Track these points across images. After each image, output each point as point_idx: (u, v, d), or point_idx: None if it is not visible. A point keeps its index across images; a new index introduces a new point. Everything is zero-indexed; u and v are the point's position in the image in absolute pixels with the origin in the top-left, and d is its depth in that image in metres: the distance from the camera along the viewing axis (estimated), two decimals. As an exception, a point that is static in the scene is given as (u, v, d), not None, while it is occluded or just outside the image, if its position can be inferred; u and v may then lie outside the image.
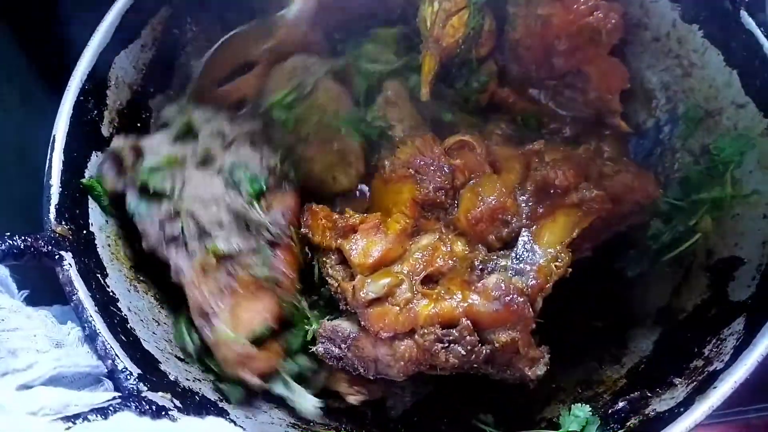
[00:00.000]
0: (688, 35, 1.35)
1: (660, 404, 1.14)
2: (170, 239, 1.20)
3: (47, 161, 1.17)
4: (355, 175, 1.39)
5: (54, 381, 0.97)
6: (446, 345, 1.13)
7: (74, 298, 1.08)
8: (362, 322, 1.17)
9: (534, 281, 1.17)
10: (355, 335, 1.18)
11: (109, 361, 1.04)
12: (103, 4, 1.27)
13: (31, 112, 1.60)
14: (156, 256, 1.22)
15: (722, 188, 1.31)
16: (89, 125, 1.26)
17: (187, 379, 1.18)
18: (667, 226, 1.37)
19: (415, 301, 1.16)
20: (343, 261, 1.26)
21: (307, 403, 1.23)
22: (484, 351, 1.14)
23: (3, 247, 1.04)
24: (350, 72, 1.44)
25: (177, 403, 1.04)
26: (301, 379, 1.26)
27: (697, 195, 1.34)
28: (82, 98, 1.23)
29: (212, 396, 1.19)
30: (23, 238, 1.07)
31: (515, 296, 1.14)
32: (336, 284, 1.24)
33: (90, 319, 1.07)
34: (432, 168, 1.28)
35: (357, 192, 1.40)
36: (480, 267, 1.21)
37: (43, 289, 1.13)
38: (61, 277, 1.09)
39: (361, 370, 1.19)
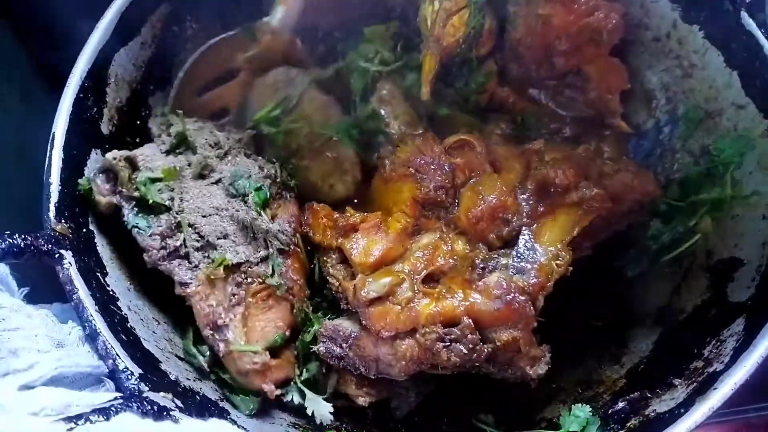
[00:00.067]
0: (688, 36, 1.35)
1: (660, 405, 1.14)
2: (172, 253, 1.19)
3: (47, 159, 1.17)
4: (351, 182, 1.39)
5: (55, 381, 0.96)
6: (448, 344, 1.14)
7: (74, 297, 1.07)
8: (363, 322, 1.17)
9: (535, 280, 1.17)
10: (356, 334, 1.18)
11: (110, 361, 1.04)
12: (103, 1, 1.26)
13: (31, 111, 1.60)
14: (159, 271, 1.20)
15: (722, 189, 1.31)
16: (89, 123, 1.25)
17: (188, 379, 1.17)
18: (666, 226, 1.37)
19: (416, 300, 1.16)
20: (344, 260, 1.26)
21: (323, 409, 1.23)
22: (485, 350, 1.14)
23: (3, 245, 1.04)
24: (343, 76, 1.44)
25: (178, 403, 1.04)
26: (312, 384, 1.26)
27: (697, 196, 1.35)
28: (81, 96, 1.22)
29: (213, 396, 1.19)
30: (23, 236, 1.06)
31: (517, 295, 1.14)
32: (337, 283, 1.24)
33: (90, 318, 1.06)
34: (432, 167, 1.28)
35: (355, 200, 1.40)
36: (481, 266, 1.21)
37: (43, 287, 1.12)
38: (61, 275, 1.09)
39: (362, 370, 1.19)
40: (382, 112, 1.39)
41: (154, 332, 1.22)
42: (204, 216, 1.22)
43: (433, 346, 1.14)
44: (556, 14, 1.32)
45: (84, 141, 1.24)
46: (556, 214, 1.25)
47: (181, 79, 1.37)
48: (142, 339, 1.16)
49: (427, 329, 1.14)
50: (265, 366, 1.19)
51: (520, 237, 1.24)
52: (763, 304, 1.17)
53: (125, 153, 1.23)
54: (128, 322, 1.16)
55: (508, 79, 1.45)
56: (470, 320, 1.13)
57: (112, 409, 0.88)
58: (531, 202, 1.27)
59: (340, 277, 1.24)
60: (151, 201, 1.19)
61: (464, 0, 1.33)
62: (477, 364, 1.16)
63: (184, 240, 1.20)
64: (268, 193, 1.28)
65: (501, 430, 1.28)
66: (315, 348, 1.22)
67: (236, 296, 1.20)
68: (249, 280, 1.21)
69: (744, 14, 1.24)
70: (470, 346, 1.13)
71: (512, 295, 1.14)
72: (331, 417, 1.23)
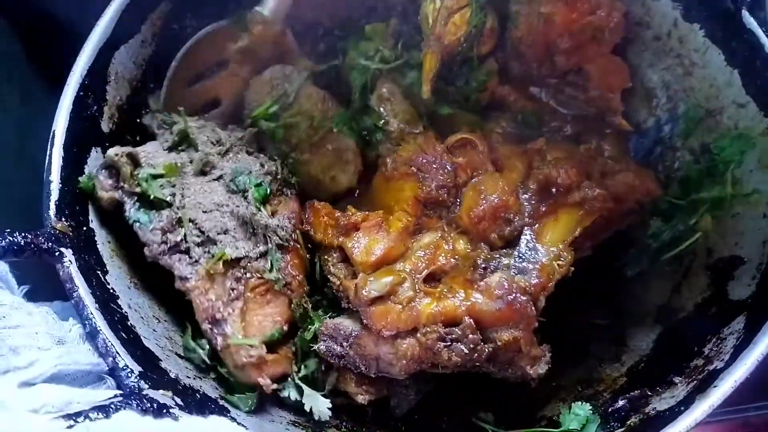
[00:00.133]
0: (689, 34, 1.35)
1: (660, 403, 1.14)
2: (173, 248, 1.20)
3: (47, 157, 1.16)
4: (353, 172, 1.39)
5: (56, 378, 0.96)
6: (449, 343, 1.14)
7: (74, 295, 1.07)
8: (364, 321, 1.17)
9: (537, 280, 1.17)
10: (357, 333, 1.18)
11: (110, 359, 1.04)
12: (103, -1, 1.27)
13: (31, 111, 1.60)
14: (159, 265, 1.21)
15: (722, 187, 1.31)
16: (89, 121, 1.25)
17: (188, 377, 1.17)
18: (667, 225, 1.37)
19: (417, 299, 1.16)
20: (345, 259, 1.26)
21: (322, 405, 1.23)
22: (486, 349, 1.14)
23: (3, 243, 1.04)
24: (342, 74, 1.44)
25: (178, 400, 1.04)
26: (310, 381, 1.26)
27: (698, 194, 1.35)
28: (81, 94, 1.22)
29: (213, 394, 1.19)
30: (23, 234, 1.06)
31: (518, 295, 1.14)
32: (338, 282, 1.24)
33: (90, 316, 1.06)
34: (434, 166, 1.28)
35: (357, 192, 1.40)
36: (482, 265, 1.21)
37: (44, 285, 1.12)
38: (61, 274, 1.09)
39: (363, 369, 1.19)
40: (382, 110, 1.39)
41: (154, 330, 1.22)
42: (205, 212, 1.23)
43: (434, 346, 1.13)
44: (558, 12, 1.32)
45: (84, 139, 1.24)
46: (558, 214, 1.25)
47: (173, 70, 1.37)
48: (142, 337, 1.16)
49: (428, 329, 1.14)
50: (261, 360, 1.19)
51: (522, 237, 1.24)
52: (763, 302, 1.17)
53: (127, 149, 1.24)
54: (128, 320, 1.16)
55: (509, 78, 1.45)
56: (471, 320, 1.13)
57: (112, 406, 0.88)
58: (533, 201, 1.27)
59: (341, 276, 1.24)
60: (152, 197, 1.20)
61: (465, -2, 1.33)
62: (477, 363, 1.16)
63: (185, 235, 1.20)
64: (269, 190, 1.28)
65: (501, 428, 1.28)
66: (315, 346, 1.22)
67: (235, 291, 1.20)
68: (248, 275, 1.21)
69: (745, 13, 1.24)
70: (471, 345, 1.13)
71: (514, 295, 1.14)
72: (330, 413, 1.23)
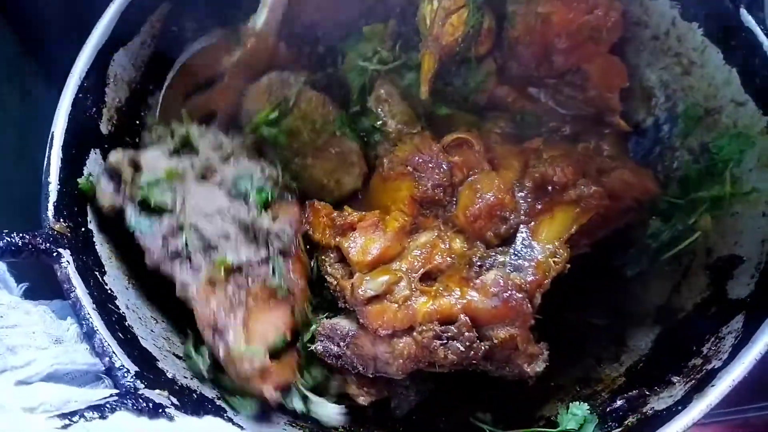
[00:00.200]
0: (687, 33, 1.34)
1: (658, 402, 1.14)
2: (174, 254, 1.19)
3: (45, 159, 1.17)
4: (358, 174, 1.39)
5: (53, 378, 0.97)
6: (445, 341, 1.13)
7: (72, 295, 1.08)
8: (361, 320, 1.18)
9: (532, 277, 1.17)
10: (353, 333, 1.18)
11: (107, 359, 1.04)
12: (103, 0, 1.27)
13: (31, 111, 1.60)
14: (160, 273, 1.20)
15: (721, 186, 1.30)
16: (88, 122, 1.26)
17: (185, 377, 1.18)
18: (666, 224, 1.36)
19: (413, 298, 1.16)
20: (342, 259, 1.26)
21: (330, 412, 1.21)
22: (482, 347, 1.14)
23: (1, 244, 1.04)
24: (339, 78, 1.44)
25: (174, 400, 1.04)
26: (316, 389, 1.25)
27: (697, 193, 1.34)
28: (80, 95, 1.23)
29: (210, 394, 1.19)
30: (21, 235, 1.07)
31: (513, 292, 1.14)
32: (335, 282, 1.24)
33: (87, 316, 1.07)
34: (430, 165, 1.28)
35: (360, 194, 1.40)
36: (478, 264, 1.21)
37: (43, 283, 1.12)
38: (59, 274, 1.09)
39: (360, 368, 1.19)
40: (380, 111, 1.39)
41: (152, 331, 1.22)
42: (206, 217, 1.22)
43: (431, 344, 1.13)
44: (556, 12, 1.31)
45: (83, 141, 1.24)
46: (554, 212, 1.25)
47: (168, 86, 1.37)
48: (139, 337, 1.17)
49: (424, 327, 1.14)
50: (265, 369, 1.17)
51: (518, 235, 1.24)
52: (762, 301, 1.17)
53: (129, 154, 1.24)
54: (126, 321, 1.16)
55: (507, 78, 1.44)
56: (467, 318, 1.13)
57: (107, 406, 0.89)
58: (529, 199, 1.27)
59: (338, 275, 1.24)
60: (153, 203, 1.19)
61: (463, -1, 1.33)
62: (474, 361, 1.15)
63: (186, 241, 1.19)
64: (270, 194, 1.28)
65: (499, 428, 1.28)
66: (313, 347, 1.22)
67: (237, 297, 1.19)
68: (250, 281, 1.20)
69: (743, 11, 1.23)
70: (467, 343, 1.13)
71: (509, 292, 1.14)
72: (342, 419, 1.21)
